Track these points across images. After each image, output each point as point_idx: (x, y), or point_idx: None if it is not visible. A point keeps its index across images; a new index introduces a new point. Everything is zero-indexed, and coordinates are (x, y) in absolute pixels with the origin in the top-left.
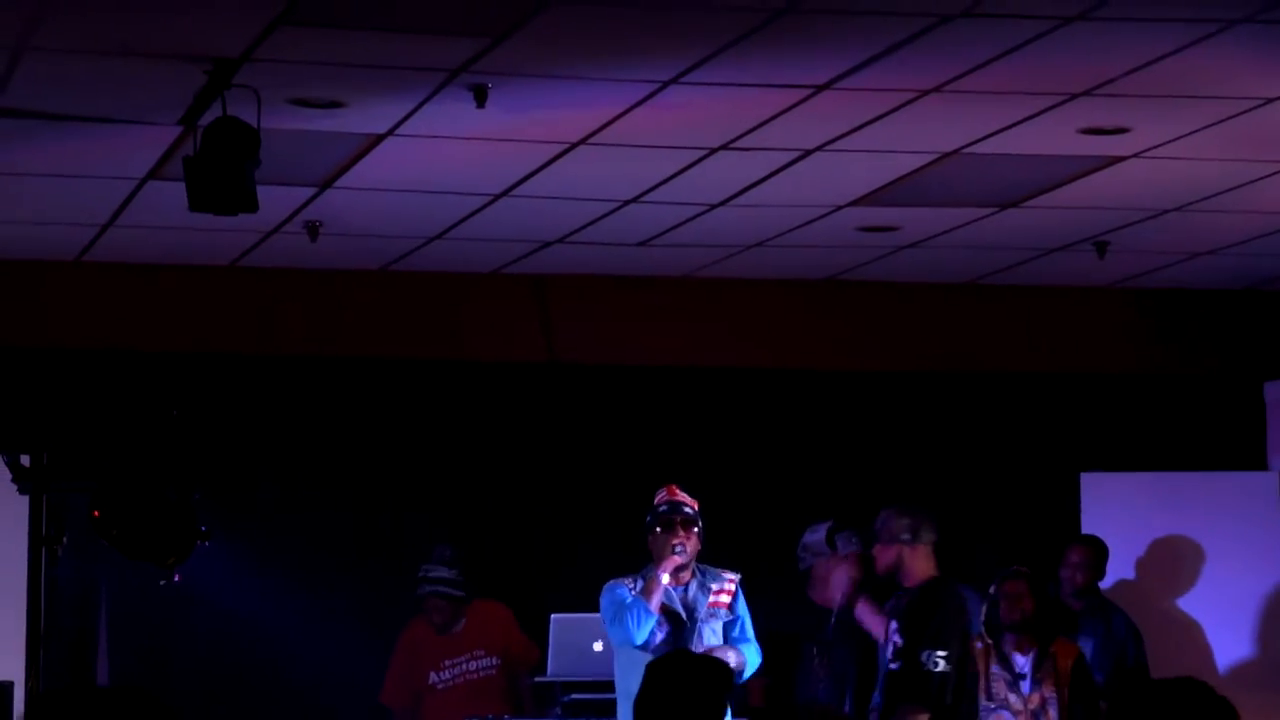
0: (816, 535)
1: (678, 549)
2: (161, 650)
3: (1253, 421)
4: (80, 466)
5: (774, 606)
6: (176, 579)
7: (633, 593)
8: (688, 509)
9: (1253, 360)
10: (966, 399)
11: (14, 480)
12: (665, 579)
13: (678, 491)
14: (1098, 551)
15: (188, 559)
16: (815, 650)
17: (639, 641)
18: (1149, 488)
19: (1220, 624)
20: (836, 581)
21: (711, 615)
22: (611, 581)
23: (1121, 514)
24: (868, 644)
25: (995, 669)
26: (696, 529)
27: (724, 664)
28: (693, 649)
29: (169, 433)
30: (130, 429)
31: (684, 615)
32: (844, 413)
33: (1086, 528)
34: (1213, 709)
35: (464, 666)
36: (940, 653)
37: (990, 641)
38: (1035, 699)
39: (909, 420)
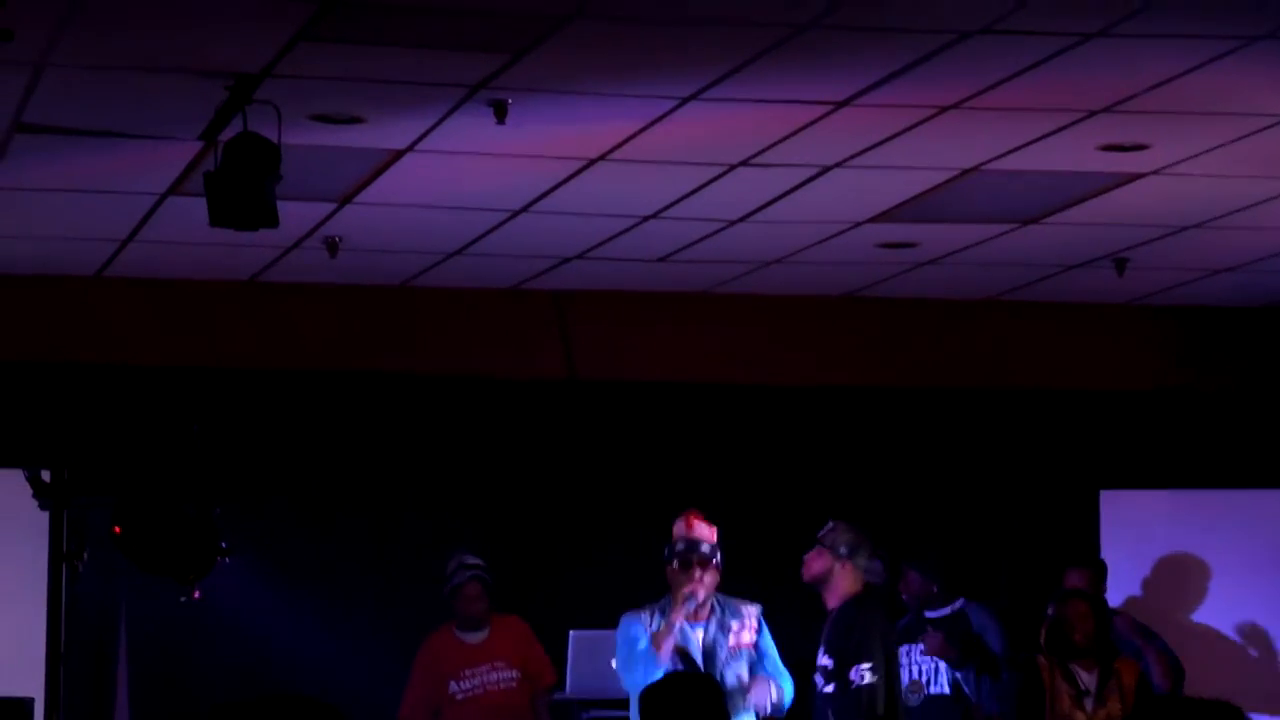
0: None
1: (689, 598)
2: (182, 666)
3: (1273, 438)
4: (100, 482)
5: (789, 623)
6: (197, 595)
7: (648, 630)
8: (705, 546)
9: (1272, 376)
10: (985, 415)
11: (34, 496)
12: (679, 623)
13: (696, 524)
14: (1098, 573)
15: (208, 575)
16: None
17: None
18: (1168, 505)
19: (1238, 641)
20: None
21: (734, 658)
22: (629, 615)
23: (1140, 531)
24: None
25: (1061, 685)
26: (714, 564)
27: (714, 679)
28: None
29: (189, 448)
30: (150, 444)
31: (701, 661)
32: (863, 429)
33: (1105, 545)
34: None
35: (484, 677)
36: (865, 665)
37: (1054, 658)
38: (1101, 715)
39: (928, 437)
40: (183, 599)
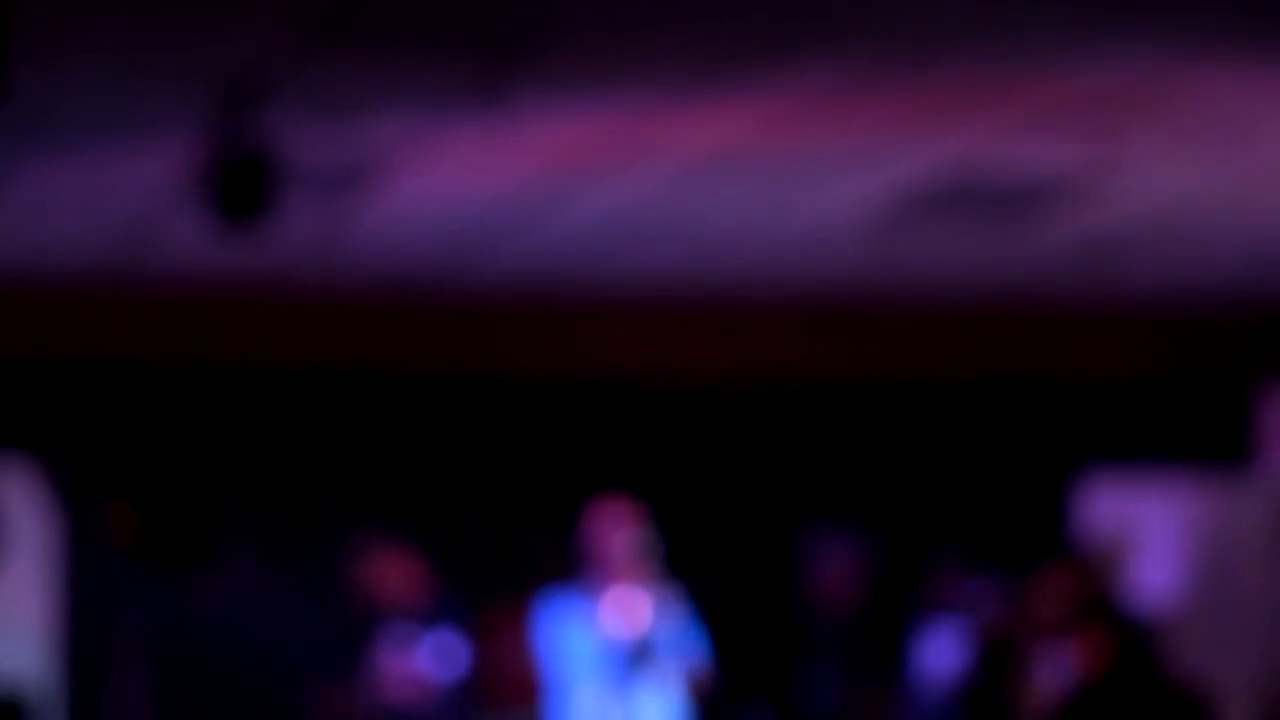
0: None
1: (630, 584)
2: (189, 657)
3: (1250, 424)
4: (105, 478)
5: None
6: (204, 587)
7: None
8: (631, 542)
9: (1250, 364)
10: (973, 410)
11: (45, 490)
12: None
13: (621, 519)
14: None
15: (214, 569)
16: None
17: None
18: (1147, 488)
19: (1216, 623)
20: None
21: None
22: (551, 593)
23: (1120, 514)
24: (863, 649)
25: (1022, 663)
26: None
27: None
28: (648, 666)
29: (194, 445)
30: (155, 441)
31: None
32: (852, 426)
33: (1084, 528)
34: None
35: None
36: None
37: (1019, 635)
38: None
39: (916, 432)
40: (189, 591)
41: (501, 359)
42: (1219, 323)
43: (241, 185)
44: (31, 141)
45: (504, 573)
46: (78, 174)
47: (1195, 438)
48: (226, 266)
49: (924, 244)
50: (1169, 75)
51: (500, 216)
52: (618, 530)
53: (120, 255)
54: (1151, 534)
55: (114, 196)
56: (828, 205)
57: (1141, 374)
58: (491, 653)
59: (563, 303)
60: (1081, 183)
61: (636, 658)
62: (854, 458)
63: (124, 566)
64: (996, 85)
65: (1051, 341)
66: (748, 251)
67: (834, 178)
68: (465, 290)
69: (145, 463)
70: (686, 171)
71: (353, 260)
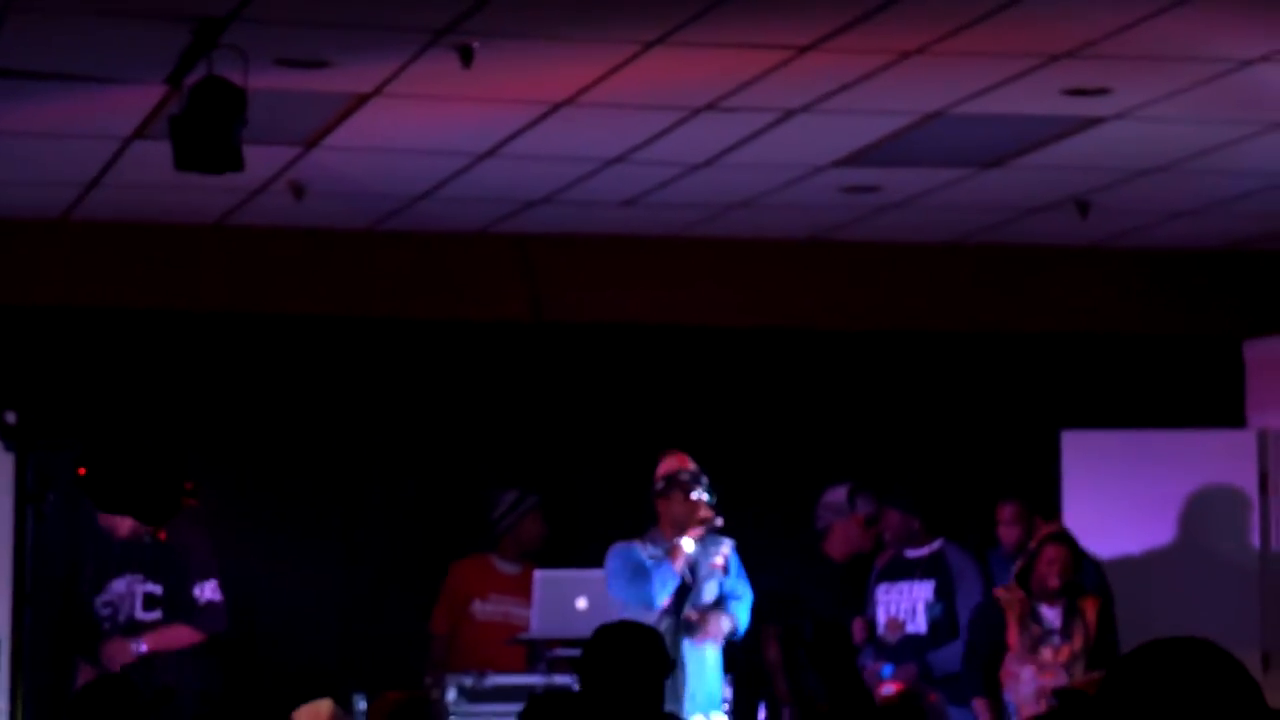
0: (836, 495)
1: (704, 522)
2: None
3: (1232, 379)
4: (65, 424)
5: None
6: (162, 536)
7: (650, 556)
8: (704, 478)
9: (1233, 319)
10: (949, 357)
11: None
12: (690, 546)
13: (689, 460)
14: (1028, 505)
15: (173, 517)
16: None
17: (660, 603)
18: (1129, 445)
19: (1195, 580)
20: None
21: (710, 575)
22: (621, 544)
23: (1102, 471)
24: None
25: (1027, 623)
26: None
27: (657, 631)
28: (694, 605)
29: (154, 391)
30: (115, 387)
31: (689, 575)
32: (826, 371)
33: (1067, 485)
34: (1224, 671)
35: (509, 609)
36: (211, 582)
37: (1022, 594)
38: (1065, 652)
39: (890, 379)
40: (148, 540)
41: (465, 303)
42: (1208, 278)
43: (205, 129)
44: None
45: (470, 529)
46: (36, 120)
47: (1182, 395)
48: (188, 210)
49: (910, 191)
50: (1160, 23)
51: (465, 156)
52: (677, 478)
53: (77, 200)
54: (1135, 494)
55: (74, 141)
56: (803, 152)
57: (1128, 330)
58: (461, 612)
59: (533, 243)
60: (1072, 130)
61: (686, 596)
62: (837, 404)
63: (82, 515)
64: (982, 30)
65: (1034, 294)
66: (723, 197)
67: (814, 122)
68: (429, 232)
69: (102, 410)
70: (658, 115)
71: (316, 203)
